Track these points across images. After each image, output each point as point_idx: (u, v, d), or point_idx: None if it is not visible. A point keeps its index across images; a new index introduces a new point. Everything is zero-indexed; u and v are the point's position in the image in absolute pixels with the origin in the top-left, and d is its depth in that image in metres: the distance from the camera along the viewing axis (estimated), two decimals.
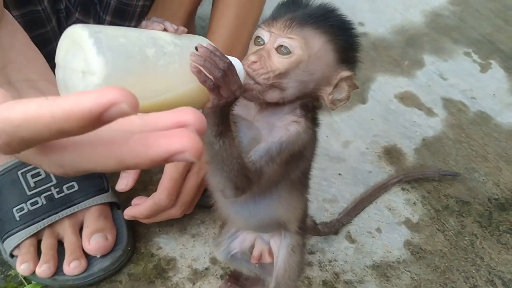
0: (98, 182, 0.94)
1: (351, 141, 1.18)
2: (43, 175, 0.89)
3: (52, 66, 1.05)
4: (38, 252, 0.87)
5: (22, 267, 0.85)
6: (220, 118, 0.51)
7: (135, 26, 1.08)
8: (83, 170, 0.35)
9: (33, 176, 0.89)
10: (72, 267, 0.85)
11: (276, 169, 0.57)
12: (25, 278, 0.88)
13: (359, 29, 1.49)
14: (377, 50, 1.46)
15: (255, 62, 0.54)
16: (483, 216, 1.03)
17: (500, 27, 1.58)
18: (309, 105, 0.59)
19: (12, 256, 0.88)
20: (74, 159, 0.34)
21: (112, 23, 1.04)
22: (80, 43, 0.43)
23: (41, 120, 0.30)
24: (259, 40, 0.57)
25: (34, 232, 0.87)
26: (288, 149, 0.57)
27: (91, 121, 0.29)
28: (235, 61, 0.53)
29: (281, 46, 0.54)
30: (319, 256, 0.95)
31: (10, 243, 0.87)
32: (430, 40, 1.52)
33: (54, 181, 0.90)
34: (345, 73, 0.57)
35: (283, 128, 0.57)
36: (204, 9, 1.37)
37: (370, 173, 1.11)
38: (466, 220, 1.02)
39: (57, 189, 0.89)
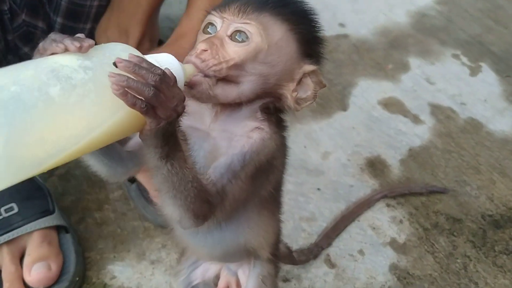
0: (41, 203, 0.86)
1: (331, 152, 1.11)
2: None
3: None
4: None
5: None
6: (164, 139, 0.42)
7: (91, 28, 0.98)
8: None
9: None
10: None
11: (242, 186, 0.50)
12: None
13: (340, 31, 1.45)
14: (359, 53, 1.40)
15: (205, 50, 0.48)
16: (477, 235, 0.96)
17: (490, 27, 1.52)
18: (271, 107, 0.53)
19: None
20: None
21: (64, 25, 0.97)
22: None
23: None
24: (209, 29, 0.51)
25: None
26: (254, 160, 0.50)
27: None
28: (168, 58, 0.44)
29: (236, 31, 0.49)
30: (294, 284, 0.88)
31: None
32: (415, 42, 1.46)
33: None
34: (309, 67, 0.52)
35: (245, 136, 0.51)
36: (174, 10, 1.35)
37: (352, 188, 1.04)
38: (458, 240, 0.95)
39: None
